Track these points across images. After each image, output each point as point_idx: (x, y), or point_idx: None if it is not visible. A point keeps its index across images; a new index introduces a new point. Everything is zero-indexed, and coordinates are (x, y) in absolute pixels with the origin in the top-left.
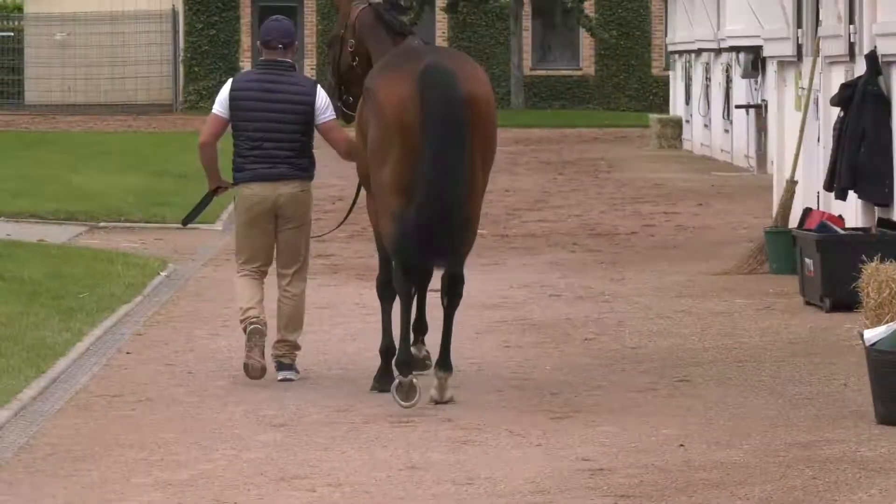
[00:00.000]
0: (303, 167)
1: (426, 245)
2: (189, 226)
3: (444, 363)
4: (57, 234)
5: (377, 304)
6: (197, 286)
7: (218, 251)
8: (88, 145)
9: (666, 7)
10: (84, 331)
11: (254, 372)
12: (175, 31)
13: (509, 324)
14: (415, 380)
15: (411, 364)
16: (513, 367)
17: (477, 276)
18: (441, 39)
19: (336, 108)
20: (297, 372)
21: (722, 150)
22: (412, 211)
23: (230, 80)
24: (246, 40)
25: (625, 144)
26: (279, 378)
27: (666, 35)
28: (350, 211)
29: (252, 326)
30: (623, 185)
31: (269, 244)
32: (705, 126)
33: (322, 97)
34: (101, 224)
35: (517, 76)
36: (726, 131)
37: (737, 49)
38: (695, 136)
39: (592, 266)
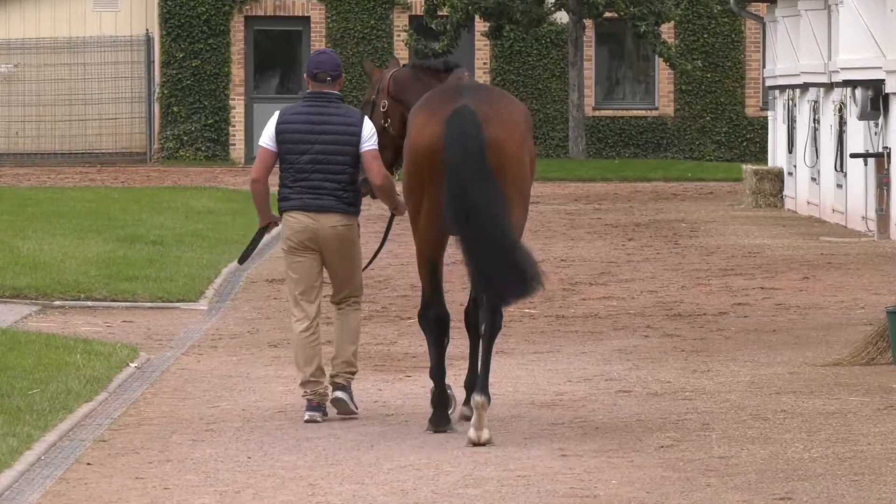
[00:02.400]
0: (348, 201)
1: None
2: (244, 264)
3: (483, 387)
4: (0, 315)
5: (399, 402)
6: (175, 380)
7: (202, 336)
8: (40, 203)
9: (764, 32)
10: (34, 436)
11: (312, 422)
12: (149, 62)
13: (566, 426)
14: (449, 429)
15: (447, 406)
16: (570, 482)
17: (526, 367)
18: (482, 72)
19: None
20: (353, 400)
21: (833, 210)
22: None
23: (276, 114)
24: (238, 73)
25: (712, 202)
26: (331, 398)
27: (763, 66)
28: (381, 246)
29: (307, 415)
30: (709, 254)
31: (314, 273)
32: (813, 180)
33: (368, 127)
34: (56, 303)
35: (577, 117)
36: (839, 186)
37: (853, 84)
38: (799, 193)
39: (671, 355)
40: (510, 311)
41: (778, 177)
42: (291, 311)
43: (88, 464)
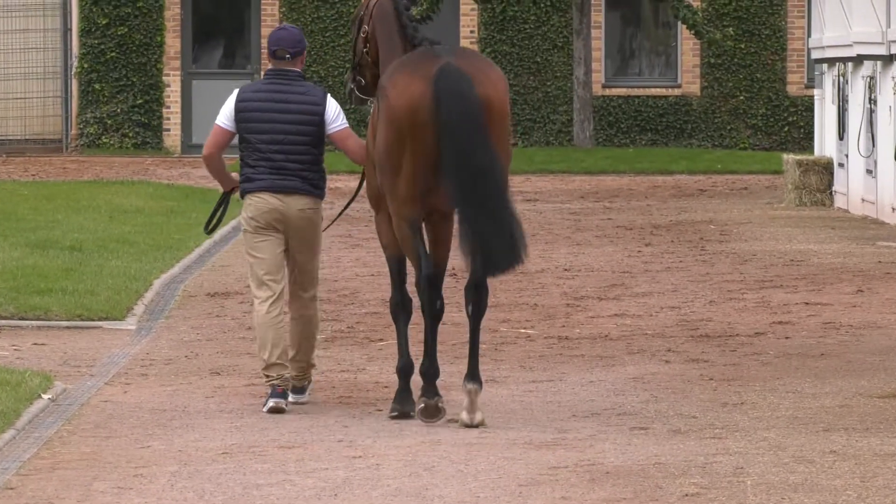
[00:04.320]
0: (313, 182)
1: (488, 254)
2: (211, 234)
3: (474, 374)
4: None
5: (368, 442)
6: (97, 415)
7: (129, 362)
8: None
9: None
10: None
11: (276, 412)
12: (66, 30)
13: (570, 471)
14: (440, 402)
15: (437, 376)
16: None
17: (522, 399)
18: (468, 42)
19: (349, 91)
20: (307, 395)
21: (893, 209)
22: (464, 223)
23: (235, 91)
24: (174, 43)
25: (746, 200)
26: (290, 400)
27: (809, 35)
28: (350, 201)
29: (272, 402)
30: (743, 262)
31: (279, 252)
32: (868, 172)
33: (332, 106)
34: None
35: (583, 96)
36: None
37: None
38: (852, 188)
39: (696, 384)
40: (503, 333)
41: (826, 169)
42: (254, 294)
43: None
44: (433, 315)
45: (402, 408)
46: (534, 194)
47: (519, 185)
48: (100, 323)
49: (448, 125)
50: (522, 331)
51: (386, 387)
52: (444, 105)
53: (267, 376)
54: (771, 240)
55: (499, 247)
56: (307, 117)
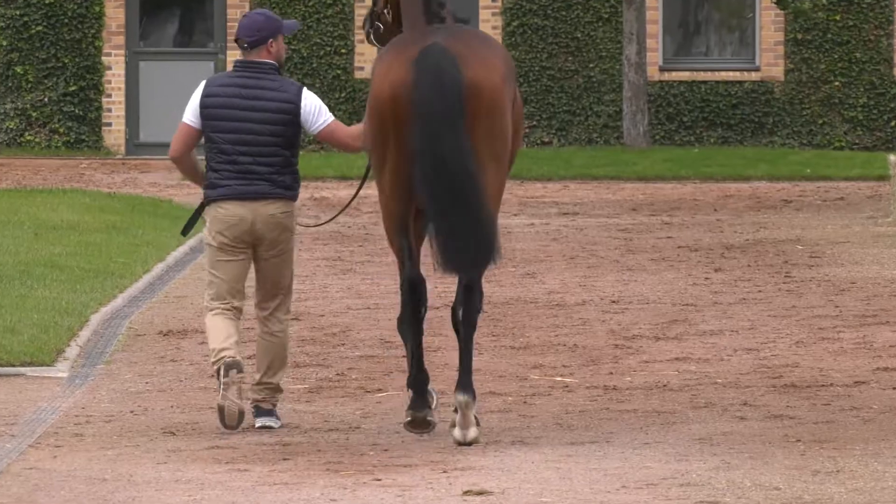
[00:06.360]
0: (285, 185)
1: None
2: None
3: (466, 385)
4: None
5: None
6: (20, 486)
7: (60, 419)
8: None
9: None
10: None
11: (230, 418)
12: None
13: None
14: (429, 416)
15: (425, 403)
16: None
17: (558, 465)
18: (490, 13)
19: (366, 33)
20: (279, 420)
21: None
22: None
23: (202, 84)
24: (116, 14)
25: (842, 213)
26: (257, 425)
27: None
28: (353, 198)
29: (228, 360)
30: (839, 292)
31: (242, 274)
32: None
33: (310, 102)
34: None
35: (636, 82)
36: None
37: None
38: None
39: (780, 447)
40: (534, 382)
41: None
42: (207, 302)
43: None
44: (416, 316)
45: (416, 413)
46: (573, 206)
47: (555, 194)
48: (22, 369)
49: (419, 106)
50: (559, 379)
51: (386, 450)
52: (420, 86)
53: (217, 360)
54: (874, 264)
55: (465, 242)
56: (279, 116)
